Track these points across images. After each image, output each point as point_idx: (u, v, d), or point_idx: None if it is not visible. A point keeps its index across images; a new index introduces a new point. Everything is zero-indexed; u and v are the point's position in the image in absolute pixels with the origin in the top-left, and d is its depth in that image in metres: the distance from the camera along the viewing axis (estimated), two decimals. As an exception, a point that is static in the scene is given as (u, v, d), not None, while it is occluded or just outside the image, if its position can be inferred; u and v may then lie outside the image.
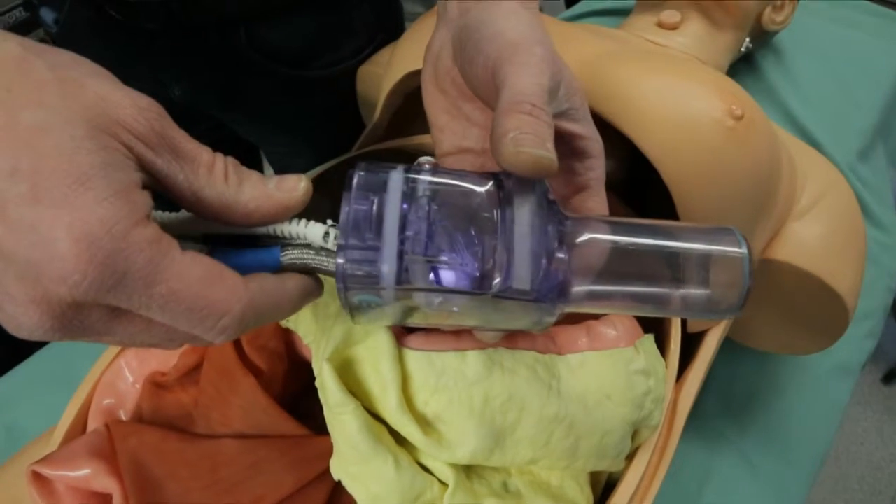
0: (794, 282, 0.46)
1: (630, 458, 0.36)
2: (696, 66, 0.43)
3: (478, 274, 0.23)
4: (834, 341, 0.48)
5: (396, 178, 0.24)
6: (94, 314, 0.20)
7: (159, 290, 0.20)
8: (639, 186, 0.49)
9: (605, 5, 0.79)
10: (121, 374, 0.38)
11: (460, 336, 0.31)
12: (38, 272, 0.18)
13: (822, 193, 0.48)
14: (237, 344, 0.34)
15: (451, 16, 0.30)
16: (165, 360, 0.37)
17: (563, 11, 0.87)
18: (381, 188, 0.24)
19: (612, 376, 0.33)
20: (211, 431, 0.33)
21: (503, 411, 0.31)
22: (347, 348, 0.32)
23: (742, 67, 0.70)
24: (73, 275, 0.18)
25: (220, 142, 0.64)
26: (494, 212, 0.24)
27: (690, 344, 0.44)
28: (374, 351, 0.31)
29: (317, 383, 0.31)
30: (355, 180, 0.24)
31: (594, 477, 0.36)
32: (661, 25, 0.60)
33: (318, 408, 0.32)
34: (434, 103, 0.31)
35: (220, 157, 0.23)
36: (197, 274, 0.20)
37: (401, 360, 0.31)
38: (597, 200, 0.29)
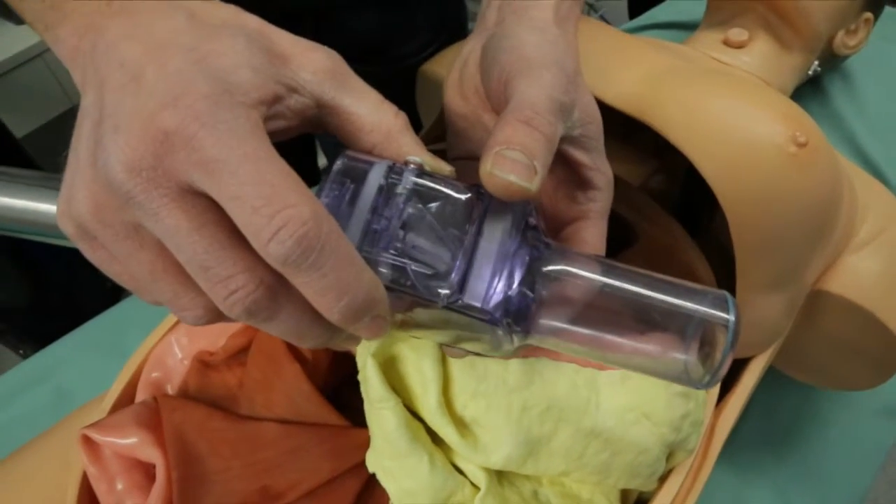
0: (845, 316, 0.45)
1: (663, 479, 0.36)
2: (760, 89, 0.42)
3: (435, 281, 0.23)
4: (883, 381, 0.47)
5: (378, 171, 0.24)
6: (167, 180, 0.20)
7: (244, 149, 0.20)
8: (698, 208, 0.48)
9: (671, 18, 0.78)
10: (170, 350, 0.39)
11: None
12: (162, 103, 0.20)
13: (882, 227, 0.47)
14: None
15: (488, 24, 0.30)
16: (214, 340, 0.38)
17: (626, 22, 0.86)
18: (361, 179, 0.24)
19: (651, 396, 0.33)
20: (254, 414, 0.34)
21: (540, 421, 0.31)
22: (392, 345, 0.32)
23: (807, 91, 0.69)
24: (188, 97, 0.20)
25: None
26: (467, 223, 0.24)
27: (732, 370, 0.44)
28: (417, 350, 0.31)
29: (360, 377, 0.31)
30: (336, 166, 0.24)
31: (624, 495, 0.36)
32: (727, 43, 0.59)
33: (358, 400, 0.32)
34: (453, 108, 0.31)
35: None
36: (281, 165, 0.20)
37: (443, 362, 0.31)
38: (593, 232, 0.28)
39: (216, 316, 0.23)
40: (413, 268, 0.23)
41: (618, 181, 0.50)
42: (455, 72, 0.31)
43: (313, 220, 0.20)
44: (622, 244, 0.47)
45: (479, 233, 0.24)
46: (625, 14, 1.34)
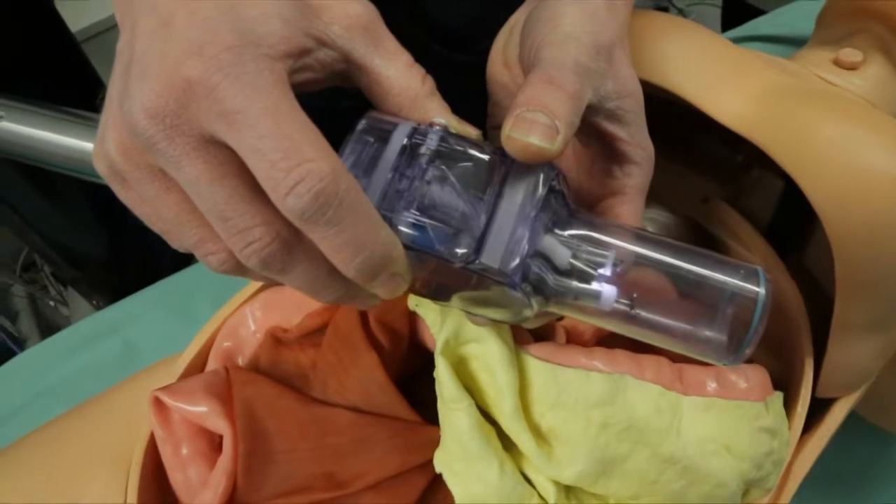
0: (943, 366, 0.42)
1: (735, 516, 0.34)
2: (882, 116, 0.39)
3: (453, 241, 0.23)
4: (976, 438, 0.44)
5: (401, 131, 0.24)
6: (189, 128, 0.20)
7: (265, 102, 0.20)
8: (790, 233, 0.46)
9: (774, 31, 0.74)
10: (244, 321, 0.39)
11: (590, 353, 0.30)
12: (188, 51, 0.20)
13: None
14: (364, 317, 0.34)
15: None
16: (289, 317, 0.38)
17: (718, 30, 0.83)
18: (384, 139, 0.24)
19: (735, 429, 0.31)
20: (325, 398, 0.34)
21: (618, 440, 0.30)
22: (459, 346, 0.31)
23: (917, 121, 0.65)
24: (213, 46, 0.20)
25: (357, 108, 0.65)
26: (489, 185, 0.23)
27: (816, 409, 0.41)
28: (487, 353, 0.30)
29: (435, 373, 0.31)
30: (360, 126, 0.24)
31: (691, 526, 0.35)
32: (838, 63, 0.55)
33: (429, 396, 0.32)
34: (495, 76, 0.30)
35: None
36: (302, 120, 0.20)
37: (522, 367, 0.30)
38: (628, 208, 0.27)
39: (240, 263, 0.23)
40: (431, 227, 0.23)
41: (708, 197, 0.48)
42: (500, 41, 0.31)
43: (332, 175, 0.20)
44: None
45: (499, 194, 0.23)
46: (716, 20, 1.30)
